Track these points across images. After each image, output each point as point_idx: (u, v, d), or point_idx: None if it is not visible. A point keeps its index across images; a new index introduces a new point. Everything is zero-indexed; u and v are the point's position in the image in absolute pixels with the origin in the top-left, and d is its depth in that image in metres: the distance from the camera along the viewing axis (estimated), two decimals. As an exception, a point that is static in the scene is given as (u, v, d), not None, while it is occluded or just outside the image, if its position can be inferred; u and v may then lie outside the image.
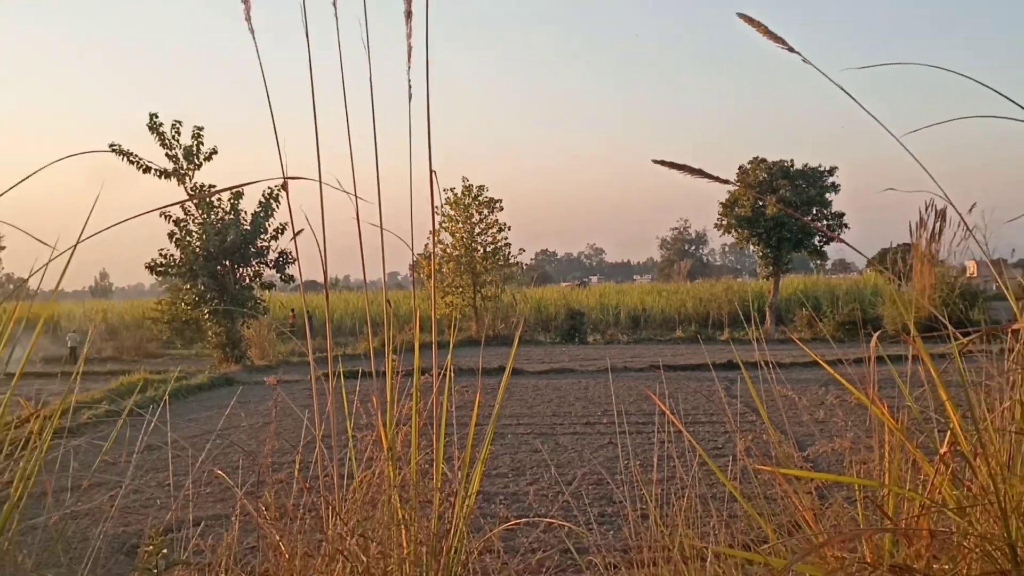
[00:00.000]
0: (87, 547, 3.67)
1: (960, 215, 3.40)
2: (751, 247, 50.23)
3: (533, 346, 35.89)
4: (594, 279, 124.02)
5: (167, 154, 27.67)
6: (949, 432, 2.94)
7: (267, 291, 30.23)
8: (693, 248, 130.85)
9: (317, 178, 3.20)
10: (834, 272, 52.43)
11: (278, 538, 3.29)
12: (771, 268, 49.16)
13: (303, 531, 3.25)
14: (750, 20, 2.84)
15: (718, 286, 52.79)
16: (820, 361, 3.49)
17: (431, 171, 3.28)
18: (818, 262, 51.41)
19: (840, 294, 43.24)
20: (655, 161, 3.03)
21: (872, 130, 2.86)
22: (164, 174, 27.44)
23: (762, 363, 4.33)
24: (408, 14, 3.15)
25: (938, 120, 2.85)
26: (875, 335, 3.42)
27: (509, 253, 42.14)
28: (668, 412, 3.87)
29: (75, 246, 3.02)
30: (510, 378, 3.95)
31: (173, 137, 27.73)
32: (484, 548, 3.40)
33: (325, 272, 3.34)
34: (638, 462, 4.53)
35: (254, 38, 3.25)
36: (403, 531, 3.18)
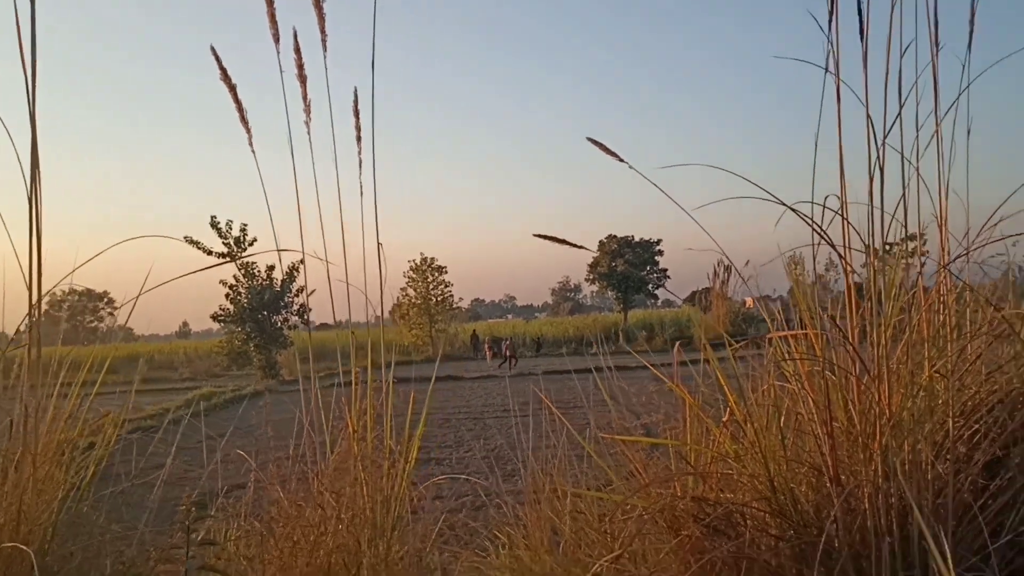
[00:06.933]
0: (147, 506, 3.43)
1: (736, 270, 3.34)
2: (609, 292, 50.82)
3: (469, 361, 35.56)
4: (509, 316, 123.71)
5: (223, 242, 27.24)
6: (728, 407, 2.88)
7: (292, 330, 29.73)
8: (572, 294, 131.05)
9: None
10: (663, 307, 52.82)
11: (280, 493, 3.10)
12: (622, 306, 49.73)
13: (295, 490, 3.06)
14: (595, 142, 2.76)
15: (588, 319, 53.12)
16: (647, 363, 3.42)
17: (379, 245, 3.15)
18: (651, 300, 52.10)
19: (667, 321, 43.45)
20: (536, 235, 2.93)
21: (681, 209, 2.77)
22: (222, 255, 26.98)
23: (612, 367, 4.27)
24: (358, 139, 3.03)
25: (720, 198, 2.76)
26: (677, 344, 3.35)
27: (453, 301, 42.04)
28: (548, 403, 3.83)
29: (132, 301, 2.84)
30: (454, 382, 3.80)
31: (227, 230, 27.30)
32: (421, 497, 3.25)
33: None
34: (535, 434, 4.43)
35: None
36: (364, 488, 3.00)
